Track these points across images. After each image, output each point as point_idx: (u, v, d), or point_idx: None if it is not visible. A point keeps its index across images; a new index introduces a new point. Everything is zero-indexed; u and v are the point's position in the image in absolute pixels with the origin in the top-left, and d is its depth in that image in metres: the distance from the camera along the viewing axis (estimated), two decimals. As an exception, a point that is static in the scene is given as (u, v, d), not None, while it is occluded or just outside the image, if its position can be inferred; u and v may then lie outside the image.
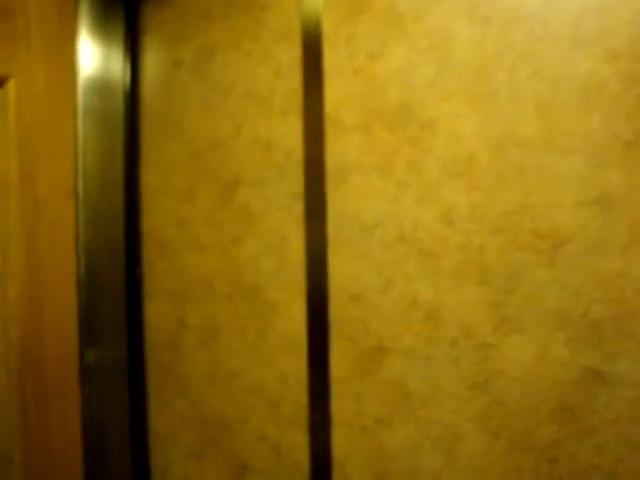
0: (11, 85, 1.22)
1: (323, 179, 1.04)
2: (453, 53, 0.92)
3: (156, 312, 1.36)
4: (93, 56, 1.34)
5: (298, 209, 1.08)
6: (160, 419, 1.36)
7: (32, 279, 1.27)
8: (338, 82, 1.02)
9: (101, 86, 1.35)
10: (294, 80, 1.08)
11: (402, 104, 0.96)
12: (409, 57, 0.95)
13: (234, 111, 1.17)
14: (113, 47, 1.38)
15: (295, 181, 1.08)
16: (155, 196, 1.35)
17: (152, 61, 1.37)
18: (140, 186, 1.38)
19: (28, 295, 1.28)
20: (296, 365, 1.10)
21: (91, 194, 1.33)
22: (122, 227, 1.36)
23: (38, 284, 1.28)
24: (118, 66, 1.38)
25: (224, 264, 1.20)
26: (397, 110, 0.96)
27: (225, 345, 1.21)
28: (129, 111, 1.39)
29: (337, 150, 1.02)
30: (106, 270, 1.36)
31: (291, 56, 1.09)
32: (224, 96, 1.19)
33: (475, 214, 0.90)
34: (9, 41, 1.22)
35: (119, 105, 1.38)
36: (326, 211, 1.04)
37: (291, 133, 1.08)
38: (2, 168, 1.25)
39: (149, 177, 1.36)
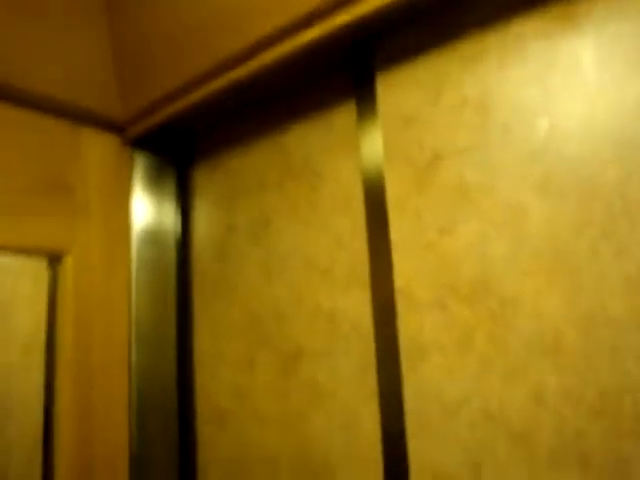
0: (68, 261, 1.23)
1: (397, 354, 1.00)
2: (528, 228, 0.91)
3: (213, 485, 1.28)
4: (146, 211, 1.36)
5: (370, 384, 1.04)
6: None
7: (83, 452, 1.22)
8: (407, 255, 1.01)
9: (154, 237, 1.36)
10: (358, 251, 1.08)
11: (478, 279, 0.94)
12: (482, 232, 0.94)
13: (293, 280, 1.16)
14: (165, 202, 1.40)
15: (365, 354, 1.05)
16: (210, 362, 1.31)
17: (204, 222, 1.38)
18: (194, 351, 1.35)
19: (78, 467, 1.22)
20: None
21: (144, 361, 1.30)
22: (175, 396, 1.32)
23: (89, 457, 1.22)
24: (170, 219, 1.40)
25: (289, 438, 1.14)
26: (474, 285, 0.94)
27: (292, 526, 1.13)
28: (181, 269, 1.39)
29: (411, 326, 1.00)
30: (158, 441, 1.30)
31: (353, 226, 1.09)
32: (282, 264, 1.19)
33: (569, 395, 0.86)
34: (68, 217, 1.23)
35: (171, 260, 1.38)
36: (402, 387, 0.99)
37: (357, 305, 1.06)
38: (59, 342, 1.23)
39: (203, 342, 1.34)
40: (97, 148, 1.30)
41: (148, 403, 1.29)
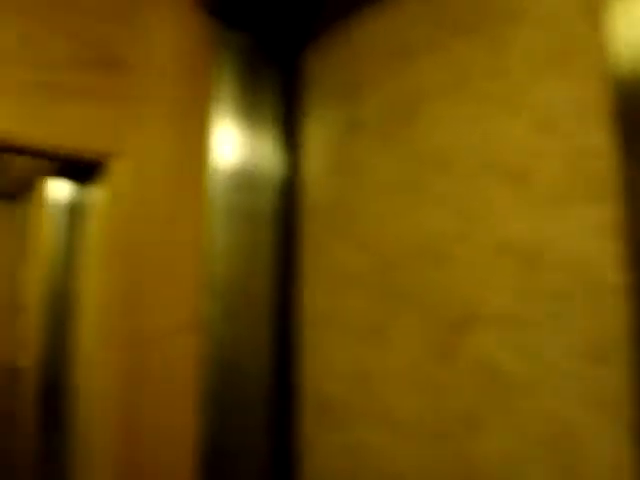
0: (116, 167, 0.84)
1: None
2: None
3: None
4: (233, 136, 0.94)
5: (611, 382, 0.55)
6: None
7: (128, 445, 0.84)
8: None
9: (243, 175, 0.94)
10: (588, 144, 0.59)
11: None
12: None
13: (457, 195, 0.69)
14: (262, 97, 0.98)
15: (603, 327, 0.56)
16: (319, 329, 0.88)
17: (316, 122, 0.95)
18: (298, 312, 0.93)
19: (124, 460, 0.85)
20: None
21: (222, 326, 0.89)
22: (267, 375, 0.91)
23: (137, 450, 0.85)
24: (267, 146, 0.97)
25: (444, 457, 0.68)
26: None
27: None
28: (281, 194, 0.97)
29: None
30: (244, 436, 0.90)
31: (579, 101, 0.60)
32: (437, 172, 0.72)
33: None
34: (119, 102, 0.84)
35: (267, 197, 0.96)
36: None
37: (587, 237, 0.58)
38: (100, 289, 0.86)
39: (312, 299, 0.91)
40: (162, 14, 0.90)
41: (229, 383, 0.89)
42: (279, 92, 0.99)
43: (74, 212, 1.84)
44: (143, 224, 0.85)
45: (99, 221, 0.88)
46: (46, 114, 0.78)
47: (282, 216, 0.96)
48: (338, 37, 0.92)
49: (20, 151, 0.76)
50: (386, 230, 0.78)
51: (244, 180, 0.94)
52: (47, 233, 1.99)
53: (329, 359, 0.85)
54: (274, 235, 0.96)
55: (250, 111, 0.96)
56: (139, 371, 0.83)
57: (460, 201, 0.69)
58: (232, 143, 0.94)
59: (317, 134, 0.95)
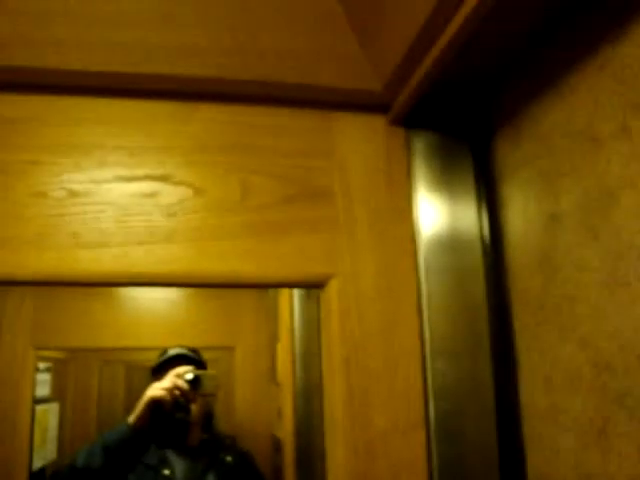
0: (332, 286, 0.93)
1: None
2: None
3: None
4: (435, 212, 0.99)
5: None
6: None
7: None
8: None
9: (449, 246, 0.98)
10: None
11: None
12: None
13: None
14: (460, 196, 1.01)
15: None
16: (544, 425, 0.86)
17: (517, 216, 0.95)
18: (519, 406, 0.92)
19: None
20: None
21: (448, 420, 0.92)
22: (495, 473, 0.90)
23: None
24: (470, 220, 1.00)
25: None
26: None
27: None
28: (492, 287, 0.98)
29: None
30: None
31: None
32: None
33: None
34: (328, 233, 0.94)
35: (477, 277, 0.98)
36: None
37: None
38: (327, 399, 0.95)
39: (531, 393, 0.89)
40: (355, 138, 0.99)
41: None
42: (473, 180, 1.02)
43: (312, 296, 2.02)
44: (361, 331, 0.93)
45: (326, 323, 0.97)
46: (266, 250, 0.91)
47: (493, 309, 0.96)
48: (525, 124, 0.92)
49: (251, 286, 0.90)
50: (602, 327, 0.74)
51: (450, 274, 0.97)
52: (292, 316, 2.19)
53: (557, 459, 0.83)
54: (488, 319, 0.97)
55: (448, 202, 1.00)
56: (366, 467, 0.89)
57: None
58: (439, 233, 0.99)
59: (516, 223, 0.94)
